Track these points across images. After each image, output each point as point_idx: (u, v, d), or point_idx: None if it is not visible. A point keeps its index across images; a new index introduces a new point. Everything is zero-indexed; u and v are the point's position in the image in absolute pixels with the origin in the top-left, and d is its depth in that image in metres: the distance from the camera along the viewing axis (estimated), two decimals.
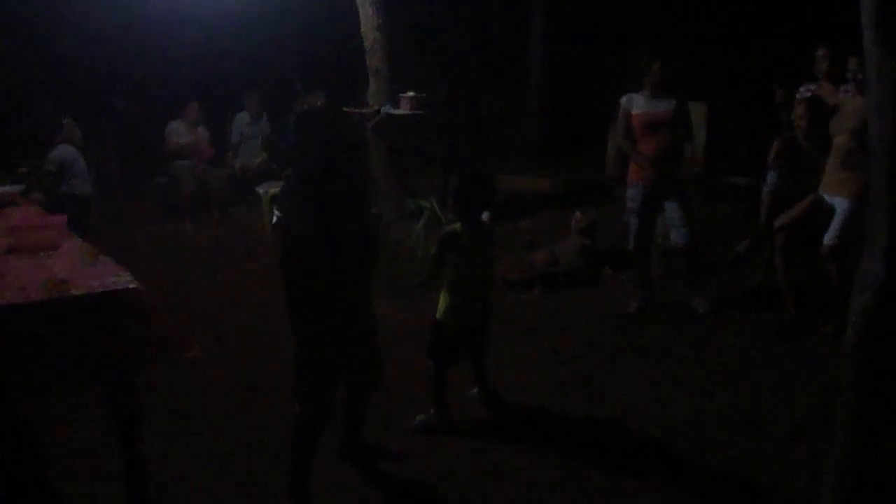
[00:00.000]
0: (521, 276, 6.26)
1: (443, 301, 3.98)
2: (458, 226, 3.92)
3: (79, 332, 2.73)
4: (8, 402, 2.88)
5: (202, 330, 5.16)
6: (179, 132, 8.95)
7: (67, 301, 2.73)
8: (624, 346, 5.06)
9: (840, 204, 4.91)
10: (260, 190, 8.44)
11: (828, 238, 4.91)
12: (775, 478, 3.57)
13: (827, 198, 5.04)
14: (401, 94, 7.43)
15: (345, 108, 7.81)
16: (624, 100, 5.54)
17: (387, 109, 7.50)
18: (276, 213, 3.18)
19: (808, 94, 5.75)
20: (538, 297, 6.08)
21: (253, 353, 5.03)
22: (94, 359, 2.78)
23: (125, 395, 2.97)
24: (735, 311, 5.61)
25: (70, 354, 2.73)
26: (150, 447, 3.21)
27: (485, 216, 4.07)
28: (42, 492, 3.41)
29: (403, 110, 7.37)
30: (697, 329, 5.33)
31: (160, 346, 2.88)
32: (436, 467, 3.70)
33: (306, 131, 3.19)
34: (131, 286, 2.84)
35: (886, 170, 2.27)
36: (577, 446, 3.92)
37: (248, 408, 4.31)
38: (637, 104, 5.45)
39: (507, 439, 3.95)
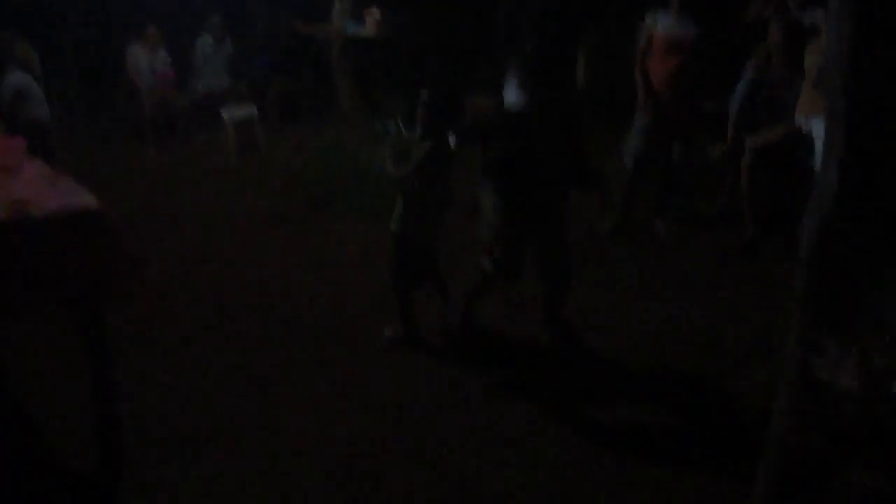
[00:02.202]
0: None
1: (397, 210, 4.02)
2: (426, 143, 3.90)
3: (41, 253, 2.71)
4: None
5: (165, 254, 5.16)
6: (140, 56, 8.75)
7: (28, 221, 2.70)
8: (587, 265, 5.11)
9: (818, 124, 4.86)
10: (224, 114, 8.30)
11: (816, 163, 4.89)
12: (731, 393, 3.70)
13: (804, 120, 5.01)
14: (364, 9, 7.25)
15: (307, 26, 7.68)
16: (649, 20, 5.31)
17: (352, 29, 7.36)
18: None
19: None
20: None
21: (214, 276, 5.04)
22: (56, 280, 2.77)
23: (90, 317, 2.96)
24: (698, 232, 5.69)
25: (32, 276, 2.71)
26: (118, 373, 3.22)
27: (451, 140, 4.03)
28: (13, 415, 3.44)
29: (368, 32, 7.25)
30: (660, 249, 5.42)
31: (122, 266, 2.87)
32: (401, 384, 3.80)
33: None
34: (93, 207, 2.81)
35: (842, 85, 2.26)
36: (537, 361, 4.03)
37: (214, 331, 4.34)
38: (663, 24, 5.26)
39: (470, 357, 4.04)
